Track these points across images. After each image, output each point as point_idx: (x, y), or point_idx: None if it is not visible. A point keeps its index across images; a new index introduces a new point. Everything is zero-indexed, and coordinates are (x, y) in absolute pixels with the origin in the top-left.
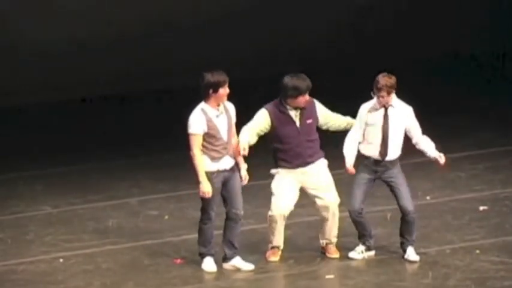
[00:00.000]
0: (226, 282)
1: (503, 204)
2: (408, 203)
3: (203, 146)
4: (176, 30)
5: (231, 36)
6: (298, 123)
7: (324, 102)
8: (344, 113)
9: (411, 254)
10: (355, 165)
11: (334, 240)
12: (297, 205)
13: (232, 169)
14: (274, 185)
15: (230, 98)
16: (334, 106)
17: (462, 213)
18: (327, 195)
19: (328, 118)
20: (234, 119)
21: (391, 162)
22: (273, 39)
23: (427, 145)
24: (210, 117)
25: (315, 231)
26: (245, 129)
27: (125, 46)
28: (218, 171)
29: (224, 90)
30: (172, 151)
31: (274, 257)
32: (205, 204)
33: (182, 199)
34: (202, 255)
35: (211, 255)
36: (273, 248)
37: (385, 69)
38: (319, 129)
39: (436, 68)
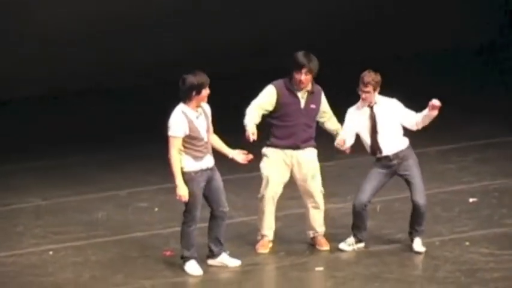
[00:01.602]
0: (216, 274)
1: (493, 196)
2: (420, 198)
3: (185, 147)
4: (166, 24)
5: (218, 29)
6: (302, 105)
7: None
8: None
9: (417, 245)
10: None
11: (321, 229)
12: (287, 197)
13: (213, 168)
14: (264, 168)
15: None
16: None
17: (451, 205)
18: (312, 185)
19: (325, 112)
20: (210, 119)
21: (402, 153)
22: (255, 32)
23: (422, 113)
24: (191, 119)
25: (305, 223)
26: (251, 108)
27: (114, 39)
28: (201, 170)
29: (206, 92)
30: (161, 143)
31: (263, 249)
32: (189, 205)
33: (172, 191)
34: (185, 259)
35: (195, 258)
36: (262, 237)
37: (373, 62)
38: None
39: (426, 62)
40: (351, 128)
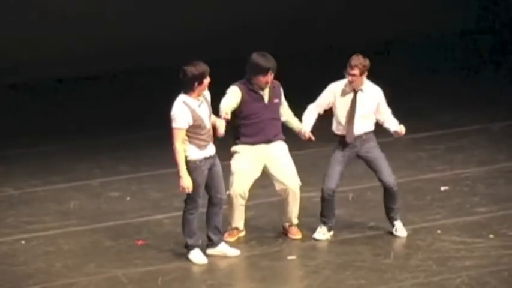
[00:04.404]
0: (188, 264)
1: (464, 184)
2: (390, 178)
3: (189, 136)
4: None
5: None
6: (266, 101)
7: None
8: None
9: (400, 228)
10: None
11: (296, 221)
12: (259, 186)
13: (215, 155)
14: (234, 164)
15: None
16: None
17: (423, 193)
18: (288, 178)
19: (284, 105)
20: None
21: (366, 135)
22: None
23: (391, 122)
24: (193, 108)
25: (276, 212)
26: (225, 100)
27: (93, 28)
28: (205, 159)
29: (207, 81)
30: (133, 132)
31: (230, 238)
32: (193, 193)
33: (143, 180)
34: (189, 248)
35: (199, 246)
36: (232, 229)
37: (345, 49)
38: None
39: (398, 49)
40: (325, 103)
